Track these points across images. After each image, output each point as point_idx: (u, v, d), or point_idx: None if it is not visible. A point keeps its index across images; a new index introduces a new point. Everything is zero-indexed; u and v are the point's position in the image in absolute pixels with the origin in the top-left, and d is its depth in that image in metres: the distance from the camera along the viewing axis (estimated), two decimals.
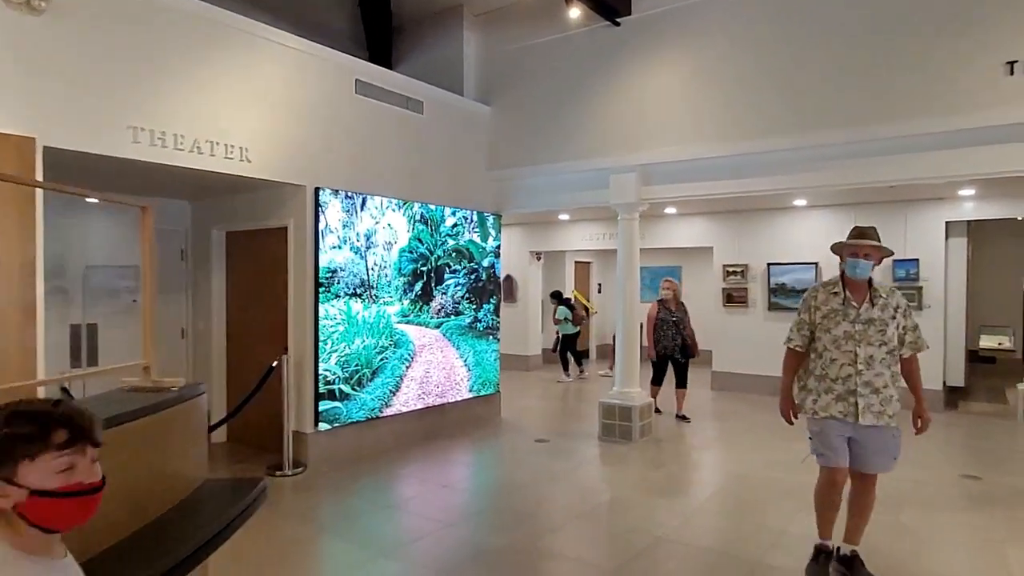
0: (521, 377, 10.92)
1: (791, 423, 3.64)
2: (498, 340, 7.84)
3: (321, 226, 5.79)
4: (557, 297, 11.17)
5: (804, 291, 9.77)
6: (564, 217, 11.11)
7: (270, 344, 6.01)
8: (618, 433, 6.68)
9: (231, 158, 5.14)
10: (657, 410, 7.61)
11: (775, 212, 9.24)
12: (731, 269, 9.59)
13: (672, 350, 7.65)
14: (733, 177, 6.20)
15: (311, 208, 5.76)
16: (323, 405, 5.79)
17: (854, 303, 3.39)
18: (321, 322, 5.78)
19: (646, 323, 7.82)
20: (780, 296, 9.14)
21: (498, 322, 7.84)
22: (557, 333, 11.06)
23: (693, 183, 6.44)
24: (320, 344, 5.77)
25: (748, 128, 5.93)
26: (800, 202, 8.68)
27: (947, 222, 8.19)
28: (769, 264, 9.23)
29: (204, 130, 4.96)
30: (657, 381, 7.74)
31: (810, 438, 3.58)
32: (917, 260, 8.15)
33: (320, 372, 5.76)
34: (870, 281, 3.43)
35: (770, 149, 5.84)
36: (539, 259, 12.24)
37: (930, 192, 7.72)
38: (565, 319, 10.89)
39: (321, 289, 5.79)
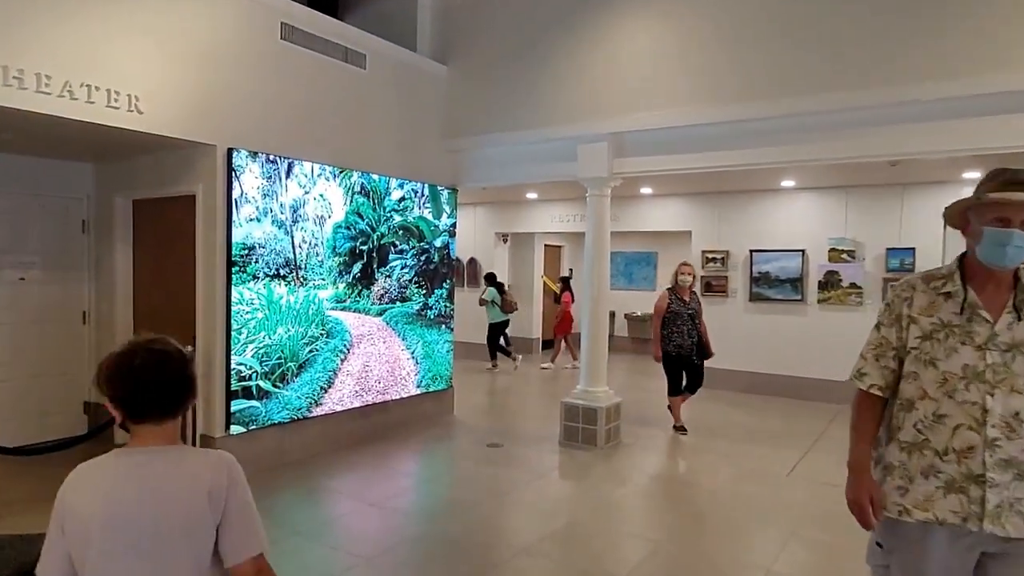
0: (484, 368, 10.13)
1: (870, 526, 1.94)
2: (451, 330, 7.03)
3: (235, 194, 4.90)
4: (491, 280, 10.05)
5: (791, 281, 8.89)
6: (532, 196, 10.29)
7: (181, 331, 5.11)
8: (581, 438, 5.92)
9: (115, 107, 4.22)
10: (682, 429, 6.42)
11: (760, 194, 8.51)
12: (711, 255, 8.86)
13: (689, 349, 6.32)
14: (715, 149, 5.42)
15: (223, 172, 4.86)
16: (237, 405, 4.94)
17: (985, 314, 1.84)
18: (235, 307, 4.91)
19: (654, 316, 6.52)
20: (763, 286, 8.44)
21: (452, 309, 7.02)
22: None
23: (671, 155, 5.65)
24: (233, 333, 4.90)
25: (733, 93, 5.14)
26: (788, 183, 7.96)
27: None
28: (752, 251, 8.51)
29: (79, 70, 4.03)
30: (677, 389, 6.45)
31: (879, 543, 1.98)
32: (913, 249, 7.47)
33: (233, 366, 4.90)
34: (1016, 274, 1.88)
35: (757, 116, 5.07)
36: (505, 241, 11.43)
37: (930, 174, 7.04)
38: (492, 302, 9.83)
39: (235, 269, 4.91)
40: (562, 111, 5.98)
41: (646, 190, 9.09)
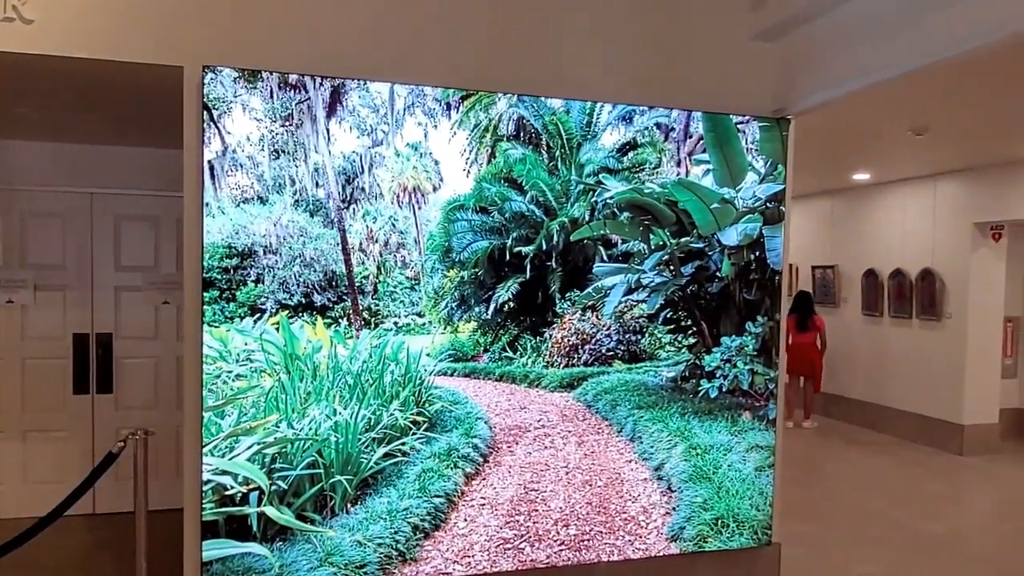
0: (940, 471, 5.48)
1: None
2: (768, 421, 3.25)
3: (212, 152, 2.61)
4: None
5: None
6: None
7: None
8: None
9: None
10: None
11: None
12: None
13: None
14: None
15: (192, 114, 2.63)
16: (213, 549, 2.60)
17: None
18: (211, 366, 2.61)
19: None
20: None
21: (771, 377, 3.25)
22: None
23: None
24: (209, 414, 2.60)
25: None
26: None
27: None
28: None
29: None
30: None
31: None
32: None
33: (207, 475, 2.60)
34: None
35: None
36: (997, 238, 6.23)
37: None
38: None
39: (210, 293, 2.62)
40: None
41: None
